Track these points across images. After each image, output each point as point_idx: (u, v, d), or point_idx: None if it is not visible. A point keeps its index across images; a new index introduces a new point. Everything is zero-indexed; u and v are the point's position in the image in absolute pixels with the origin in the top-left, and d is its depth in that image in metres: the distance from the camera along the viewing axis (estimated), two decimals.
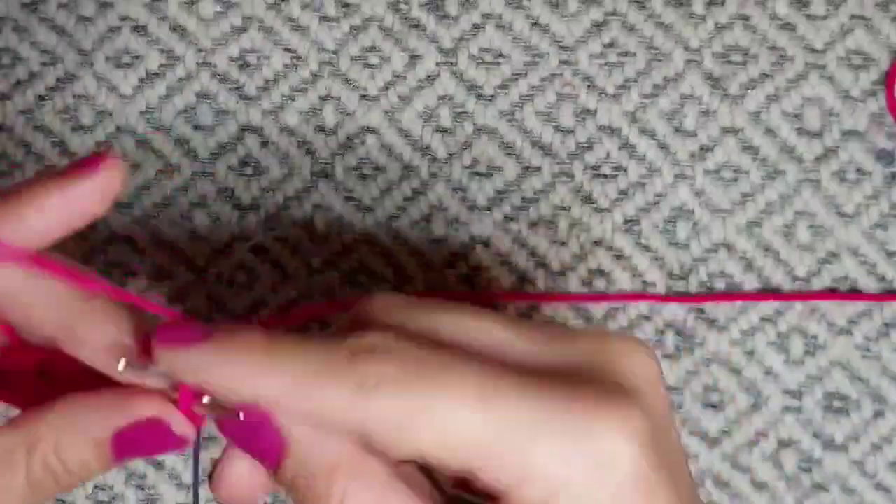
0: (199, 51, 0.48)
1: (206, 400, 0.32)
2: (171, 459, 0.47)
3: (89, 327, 0.33)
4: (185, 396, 0.33)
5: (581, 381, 0.31)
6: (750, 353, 0.47)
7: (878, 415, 0.46)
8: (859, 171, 0.47)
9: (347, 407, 0.30)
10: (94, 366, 0.33)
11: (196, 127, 0.48)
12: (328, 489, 0.31)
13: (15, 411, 0.34)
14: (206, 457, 0.47)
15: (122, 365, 0.32)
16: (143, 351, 0.32)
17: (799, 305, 0.47)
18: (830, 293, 0.47)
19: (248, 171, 0.48)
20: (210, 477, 0.34)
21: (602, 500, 0.30)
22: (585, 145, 0.48)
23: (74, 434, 0.33)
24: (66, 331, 0.33)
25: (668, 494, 0.30)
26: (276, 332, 0.32)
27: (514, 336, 0.32)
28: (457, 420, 0.30)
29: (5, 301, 0.33)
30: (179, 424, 0.33)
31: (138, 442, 0.33)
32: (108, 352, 0.33)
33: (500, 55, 0.48)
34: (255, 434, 0.32)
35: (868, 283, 0.47)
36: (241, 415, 0.31)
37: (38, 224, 0.32)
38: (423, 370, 0.30)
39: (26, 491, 0.33)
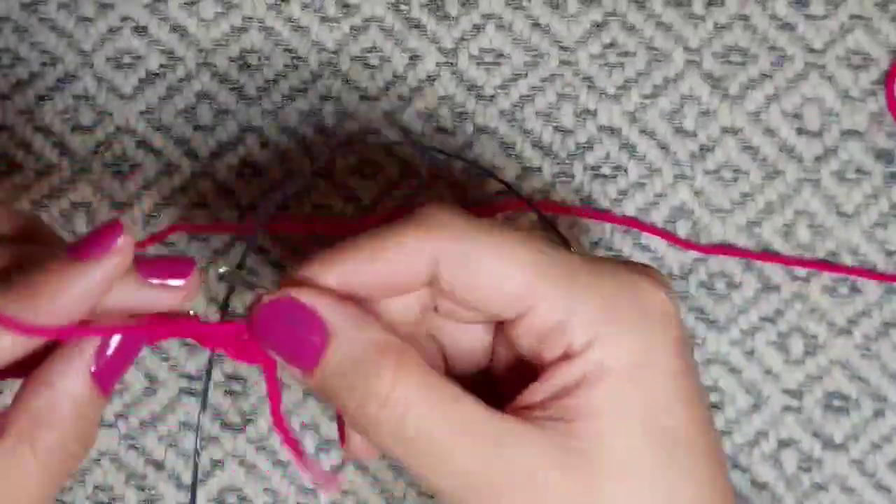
0: (200, 51, 0.48)
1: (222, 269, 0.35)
2: (171, 459, 0.47)
3: None
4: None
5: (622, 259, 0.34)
6: (750, 353, 0.47)
7: (878, 414, 0.46)
8: (859, 170, 0.47)
9: (415, 241, 0.33)
10: None
11: (196, 127, 0.48)
12: (378, 368, 0.32)
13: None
14: (205, 457, 0.47)
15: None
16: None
17: (799, 305, 0.47)
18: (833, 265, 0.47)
19: (248, 171, 0.48)
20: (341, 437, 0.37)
21: (641, 347, 0.32)
22: (585, 145, 0.48)
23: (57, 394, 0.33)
24: None
25: (691, 369, 0.34)
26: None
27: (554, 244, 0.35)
28: (514, 263, 0.33)
29: None
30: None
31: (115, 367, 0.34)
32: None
33: (501, 55, 0.48)
34: (294, 327, 0.33)
35: (868, 283, 0.47)
36: (268, 298, 0.33)
37: (54, 311, 0.33)
38: (487, 222, 0.34)
39: (42, 478, 0.33)
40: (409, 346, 0.33)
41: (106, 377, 0.34)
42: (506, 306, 0.33)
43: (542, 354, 0.33)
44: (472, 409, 0.32)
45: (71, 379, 0.33)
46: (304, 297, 0.33)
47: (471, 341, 0.37)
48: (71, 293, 0.33)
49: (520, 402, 0.33)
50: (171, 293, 0.34)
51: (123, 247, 0.33)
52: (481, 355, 0.37)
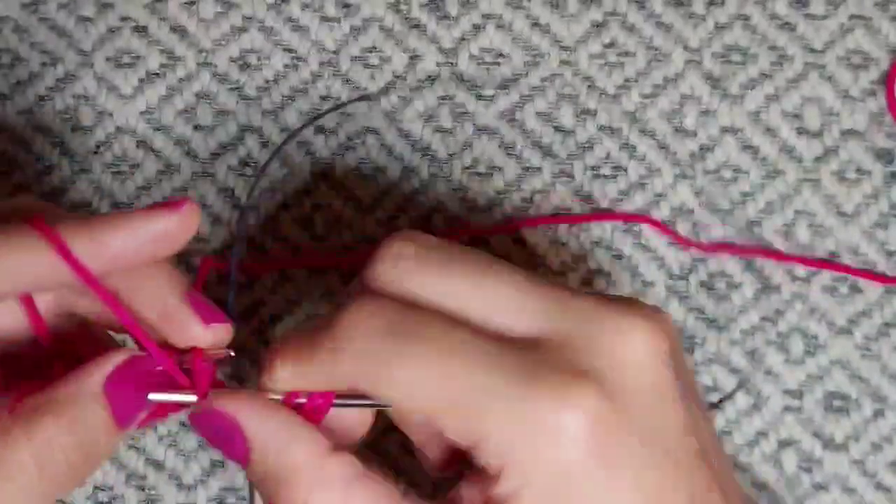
0: (200, 51, 0.48)
1: (153, 397, 0.34)
2: (171, 460, 0.47)
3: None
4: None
5: (552, 357, 0.32)
6: (750, 353, 0.47)
7: (878, 414, 0.46)
8: (859, 170, 0.47)
9: (333, 369, 0.33)
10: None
11: (196, 127, 0.48)
12: (291, 496, 0.33)
13: None
14: (205, 457, 0.47)
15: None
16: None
17: (799, 305, 0.47)
18: (834, 264, 0.47)
19: (248, 171, 0.48)
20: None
21: (547, 468, 0.31)
22: (585, 145, 0.48)
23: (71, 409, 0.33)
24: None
25: (618, 473, 0.32)
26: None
27: (515, 304, 0.34)
28: (421, 378, 0.32)
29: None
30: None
31: (128, 384, 0.34)
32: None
33: (500, 55, 0.48)
34: (224, 437, 0.34)
35: (868, 283, 0.47)
36: (200, 409, 0.34)
37: (114, 250, 0.33)
38: (396, 330, 0.33)
39: (42, 484, 0.33)
40: (333, 456, 0.33)
41: (118, 396, 0.33)
42: (423, 419, 0.33)
43: (472, 457, 0.33)
44: None
45: (85, 391, 0.33)
46: (230, 406, 0.34)
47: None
48: (132, 232, 0.33)
49: (454, 496, 0.34)
50: (168, 234, 0.34)
51: (189, 211, 0.33)
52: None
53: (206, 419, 0.34)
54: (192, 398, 0.34)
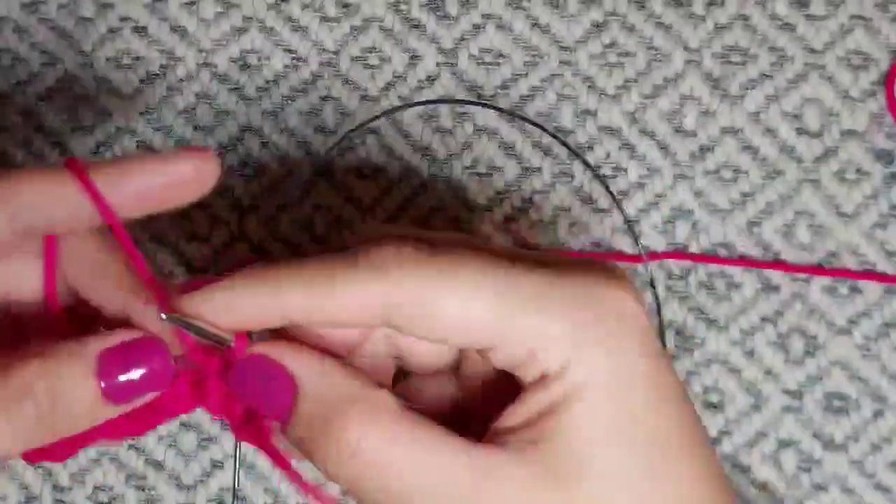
0: (200, 51, 0.48)
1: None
2: (171, 460, 0.47)
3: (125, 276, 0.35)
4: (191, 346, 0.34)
5: (585, 265, 0.33)
6: (750, 353, 0.47)
7: (878, 415, 0.46)
8: (859, 171, 0.47)
9: (366, 290, 0.32)
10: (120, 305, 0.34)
11: (196, 127, 0.48)
12: (344, 430, 0.32)
13: None
14: (205, 457, 0.47)
15: (163, 316, 0.33)
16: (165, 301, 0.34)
17: (799, 305, 0.47)
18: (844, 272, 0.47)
19: (248, 171, 0.48)
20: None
21: (616, 361, 0.32)
22: (585, 146, 0.48)
23: (62, 367, 0.33)
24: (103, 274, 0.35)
25: (668, 370, 0.33)
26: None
27: (525, 251, 0.35)
28: (476, 299, 0.31)
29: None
30: (165, 357, 0.33)
31: (124, 366, 0.33)
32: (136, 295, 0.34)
33: (500, 55, 0.48)
34: (267, 383, 0.33)
35: (868, 283, 0.47)
36: (247, 350, 0.33)
37: (136, 187, 0.33)
38: (441, 253, 0.32)
39: (35, 425, 0.32)
40: (377, 391, 0.33)
41: (113, 374, 0.33)
42: (473, 342, 0.33)
43: (518, 375, 0.33)
44: (448, 450, 0.32)
45: (83, 351, 0.33)
46: (273, 352, 0.33)
47: (438, 358, 0.36)
48: (155, 172, 0.33)
49: (500, 426, 0.33)
50: (188, 178, 0.33)
51: (208, 158, 0.33)
52: (450, 368, 0.36)
53: (250, 368, 0.33)
54: (229, 338, 0.33)
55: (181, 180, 0.33)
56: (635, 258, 0.47)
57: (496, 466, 0.32)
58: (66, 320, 0.36)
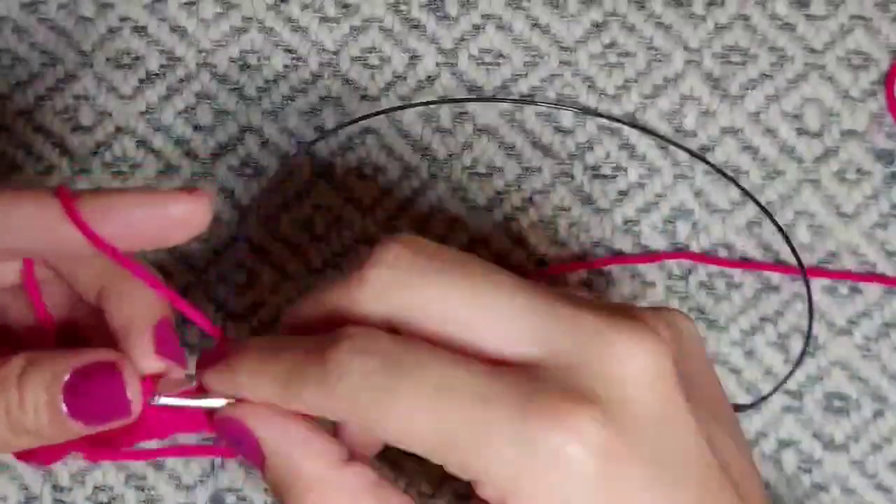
0: (200, 51, 0.48)
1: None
2: (171, 460, 0.47)
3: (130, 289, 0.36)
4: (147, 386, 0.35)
5: (551, 382, 0.31)
6: (750, 353, 0.47)
7: (878, 415, 0.46)
8: (859, 171, 0.47)
9: (323, 402, 0.32)
10: (122, 328, 0.35)
11: (196, 127, 0.48)
12: (302, 500, 0.33)
13: None
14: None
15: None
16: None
17: (799, 305, 0.47)
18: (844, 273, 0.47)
19: (248, 171, 0.48)
20: None
21: (549, 501, 0.30)
22: (585, 146, 0.48)
23: (28, 381, 0.33)
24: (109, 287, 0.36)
25: (623, 501, 0.30)
26: (270, 338, 0.35)
27: (508, 318, 0.32)
28: (415, 418, 0.31)
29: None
30: (132, 385, 0.34)
31: (89, 394, 0.33)
32: (141, 319, 0.35)
33: (500, 55, 0.48)
34: (239, 439, 0.34)
35: (868, 283, 0.47)
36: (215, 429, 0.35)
37: (124, 224, 0.33)
38: (388, 366, 0.32)
39: None
40: (340, 470, 0.33)
41: (77, 399, 0.33)
42: (424, 455, 0.32)
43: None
44: None
45: (51, 371, 0.33)
46: (247, 414, 0.34)
47: None
48: (144, 210, 0.33)
49: None
50: (181, 226, 0.34)
51: (201, 200, 0.33)
52: None
53: (223, 427, 0.34)
54: (198, 402, 0.35)
55: (173, 221, 0.33)
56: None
57: None
58: (53, 335, 0.36)
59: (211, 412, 0.35)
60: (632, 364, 0.31)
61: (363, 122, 0.48)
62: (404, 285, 0.33)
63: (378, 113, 0.47)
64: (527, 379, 0.31)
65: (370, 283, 0.33)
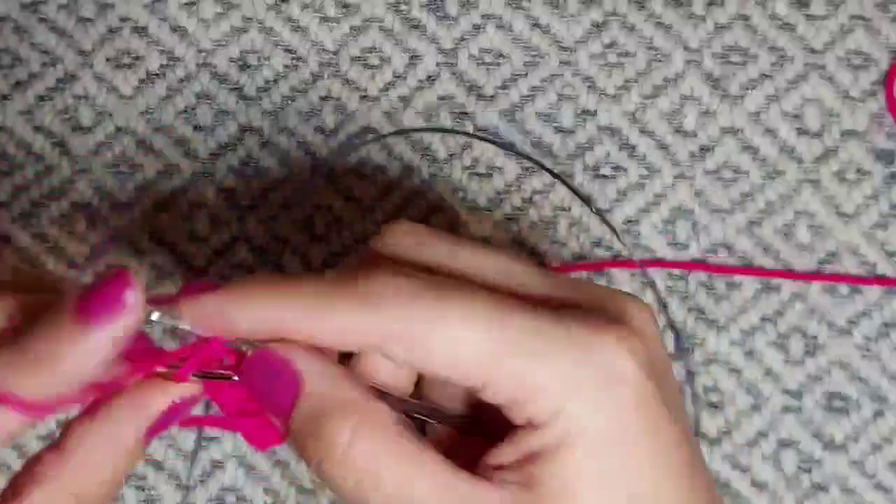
0: (200, 51, 0.48)
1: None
2: (171, 460, 0.47)
3: None
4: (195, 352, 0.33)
5: (584, 310, 0.32)
6: (750, 353, 0.47)
7: (878, 415, 0.46)
8: (859, 171, 0.47)
9: (361, 321, 0.32)
10: None
11: (196, 127, 0.48)
12: (337, 431, 0.32)
13: None
14: (205, 457, 0.47)
15: (156, 315, 0.32)
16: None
17: (799, 305, 0.47)
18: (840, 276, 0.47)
19: (248, 171, 0.48)
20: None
21: (607, 415, 0.31)
22: (585, 146, 0.48)
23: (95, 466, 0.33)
24: None
25: (668, 424, 0.32)
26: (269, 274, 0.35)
27: (524, 269, 0.34)
28: (465, 338, 0.31)
29: None
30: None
31: (164, 426, 0.34)
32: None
33: (500, 55, 0.48)
34: (273, 377, 0.33)
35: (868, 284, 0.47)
36: (251, 352, 0.33)
37: (54, 383, 0.31)
38: (434, 288, 0.32)
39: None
40: (375, 402, 0.33)
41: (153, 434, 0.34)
42: (462, 380, 0.32)
43: (509, 415, 0.33)
44: (438, 472, 0.32)
45: (126, 431, 0.33)
46: (282, 349, 0.33)
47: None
48: (74, 361, 0.30)
49: (488, 461, 0.33)
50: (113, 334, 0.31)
51: (132, 306, 0.30)
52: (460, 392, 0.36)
53: (258, 363, 0.33)
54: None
55: (102, 351, 0.31)
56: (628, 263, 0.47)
57: (482, 497, 0.32)
58: None
59: (239, 355, 0.33)
60: (640, 314, 0.33)
61: (361, 122, 0.48)
62: (422, 243, 0.34)
63: (401, 132, 0.47)
64: (566, 308, 0.32)
65: (391, 244, 0.34)
